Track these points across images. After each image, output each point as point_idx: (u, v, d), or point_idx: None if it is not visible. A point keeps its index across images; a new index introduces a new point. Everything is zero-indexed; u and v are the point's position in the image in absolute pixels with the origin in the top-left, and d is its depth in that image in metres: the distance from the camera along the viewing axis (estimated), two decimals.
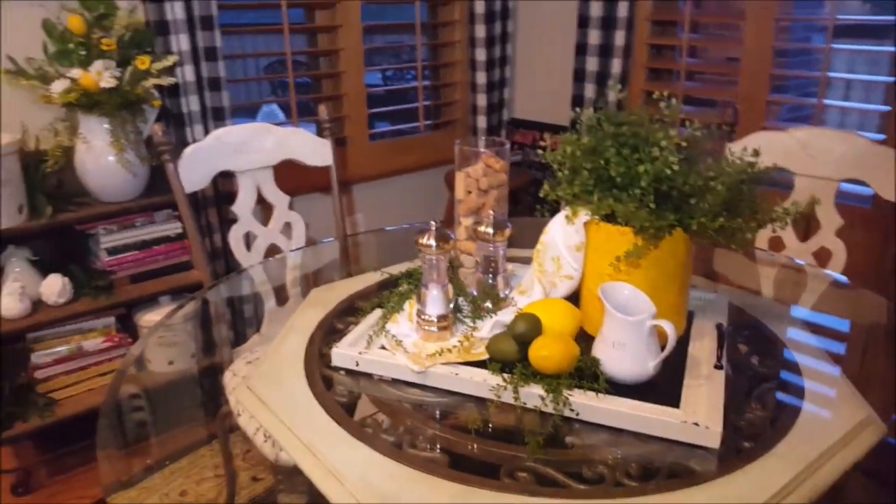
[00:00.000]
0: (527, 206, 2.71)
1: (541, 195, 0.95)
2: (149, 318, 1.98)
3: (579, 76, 2.48)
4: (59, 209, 1.83)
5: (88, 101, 1.78)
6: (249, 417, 0.90)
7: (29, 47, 1.86)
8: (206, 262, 1.60)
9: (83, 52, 1.83)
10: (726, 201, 0.89)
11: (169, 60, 1.89)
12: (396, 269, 1.26)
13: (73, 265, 1.92)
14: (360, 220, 2.74)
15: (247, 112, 3.79)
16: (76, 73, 1.79)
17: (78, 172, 1.88)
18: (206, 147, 1.52)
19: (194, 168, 1.49)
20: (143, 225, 1.97)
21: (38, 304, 1.82)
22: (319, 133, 1.74)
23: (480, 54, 2.70)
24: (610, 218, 0.93)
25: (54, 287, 1.81)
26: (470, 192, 1.06)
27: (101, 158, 1.84)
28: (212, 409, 1.47)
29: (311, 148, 1.68)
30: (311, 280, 1.57)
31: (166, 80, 1.88)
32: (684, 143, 0.90)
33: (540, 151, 0.97)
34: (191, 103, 2.05)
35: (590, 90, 2.46)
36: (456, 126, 2.93)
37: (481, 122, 2.80)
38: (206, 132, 2.10)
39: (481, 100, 2.77)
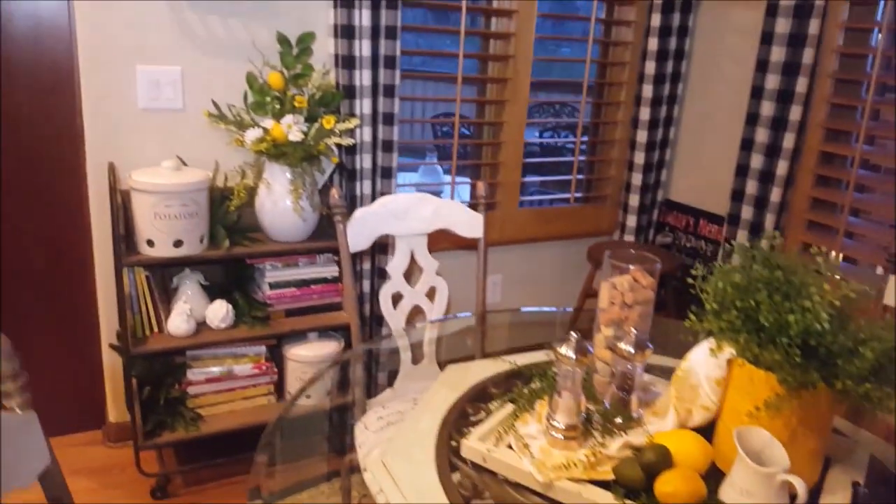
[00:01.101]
0: (672, 291, 2.65)
1: (686, 325, 0.96)
2: (296, 352, 2.14)
3: (742, 171, 2.41)
4: (234, 242, 2.05)
5: (276, 152, 1.99)
6: (379, 488, 0.97)
7: (231, 95, 2.13)
8: (356, 308, 1.72)
9: (277, 106, 2.06)
10: (875, 367, 0.85)
11: (351, 123, 2.07)
12: (531, 357, 1.30)
13: (237, 292, 2.13)
14: (497, 281, 2.81)
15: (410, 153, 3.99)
16: (268, 123, 2.01)
17: (256, 211, 2.09)
18: (373, 212, 1.65)
19: (361, 230, 1.63)
20: (305, 265, 2.15)
21: (201, 324, 2.03)
22: (474, 206, 1.82)
23: (642, 136, 2.70)
24: (755, 359, 0.92)
25: (219, 312, 2.01)
26: (613, 304, 1.08)
27: (279, 202, 2.04)
28: (336, 445, 1.58)
29: (465, 220, 1.77)
30: (447, 346, 1.65)
31: (346, 141, 2.06)
32: (837, 303, 0.88)
33: (691, 280, 0.97)
34: (364, 161, 2.22)
35: (751, 186, 2.38)
36: (607, 202, 2.93)
37: (633, 200, 2.78)
38: (374, 188, 2.27)
39: (636, 179, 2.76)
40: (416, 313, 1.74)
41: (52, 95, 2.01)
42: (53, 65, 2.00)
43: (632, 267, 1.06)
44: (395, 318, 1.70)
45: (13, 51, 1.95)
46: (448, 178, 2.64)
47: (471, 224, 1.77)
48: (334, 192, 1.60)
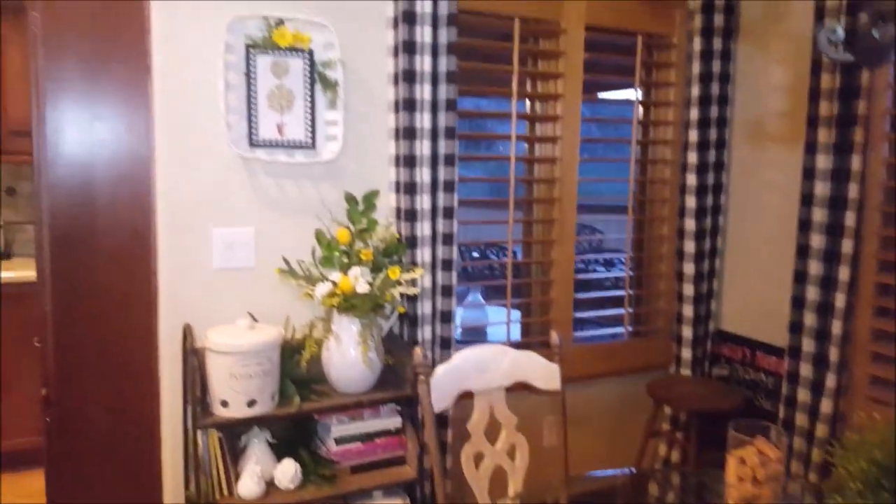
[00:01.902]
0: None
1: None
2: None
3: (798, 303, 2.43)
4: (302, 396, 2.04)
5: (346, 305, 2.03)
6: None
7: (300, 251, 2.20)
8: (442, 480, 1.68)
9: (345, 260, 2.12)
10: None
11: (417, 272, 2.12)
12: None
13: (302, 449, 2.09)
14: (553, 422, 2.76)
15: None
16: (336, 276, 2.06)
17: (323, 363, 2.10)
18: (454, 367, 1.66)
19: (443, 388, 1.63)
20: (370, 417, 2.13)
21: (270, 485, 1.98)
22: (549, 356, 1.84)
23: (689, 268, 2.75)
24: None
25: (288, 472, 1.96)
26: (743, 480, 1.06)
27: (347, 353, 2.05)
28: None
29: (542, 372, 1.77)
30: None
31: (412, 290, 2.10)
32: None
33: (829, 458, 0.96)
34: (424, 307, 2.26)
35: (810, 318, 2.38)
36: (659, 334, 2.93)
37: (686, 332, 2.78)
38: (433, 332, 2.29)
39: (688, 310, 2.77)
40: (498, 475, 1.70)
41: (129, 260, 2.09)
42: (132, 230, 2.09)
43: (756, 439, 1.05)
44: (478, 483, 1.66)
45: (95, 216, 2.05)
46: (495, 313, 2.66)
47: (548, 376, 1.78)
48: (418, 352, 1.62)
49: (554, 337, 1.81)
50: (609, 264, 4.85)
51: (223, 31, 2.00)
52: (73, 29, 2.00)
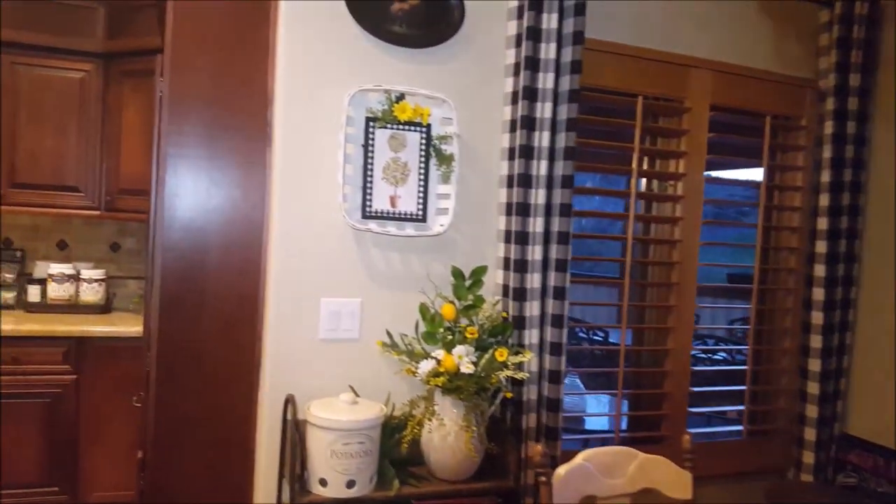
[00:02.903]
0: None
1: None
2: None
3: None
4: (401, 481, 1.93)
5: (451, 385, 1.94)
6: None
7: (402, 325, 2.12)
8: None
9: (449, 337, 2.04)
10: None
11: (526, 356, 2.01)
12: None
13: None
14: None
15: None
16: (439, 353, 1.97)
17: (422, 444, 1.99)
18: (578, 469, 1.52)
19: (564, 491, 1.49)
20: None
21: None
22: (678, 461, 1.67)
23: (815, 364, 2.52)
24: None
25: None
26: None
27: (448, 437, 1.94)
28: None
29: (672, 480, 1.61)
30: None
31: (520, 375, 1.99)
32: None
33: None
34: (531, 392, 2.13)
35: None
36: (779, 435, 2.69)
37: (809, 434, 2.54)
38: (538, 419, 2.15)
39: (811, 411, 2.53)
40: None
41: (235, 325, 2.07)
42: (240, 296, 2.08)
43: None
44: None
45: (205, 280, 2.05)
46: (593, 401, 2.50)
47: (678, 483, 1.61)
48: (538, 449, 1.50)
49: (686, 441, 1.65)
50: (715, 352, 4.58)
51: (346, 103, 2.00)
52: (198, 96, 2.06)
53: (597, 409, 3.34)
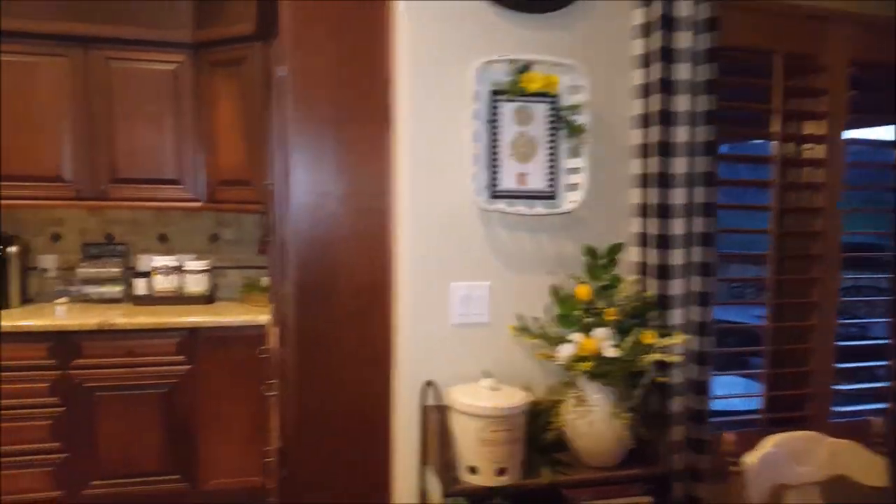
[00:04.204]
0: None
1: None
2: None
3: None
4: (550, 469, 1.86)
5: (599, 370, 1.85)
6: None
7: (533, 308, 2.04)
8: None
9: (587, 319, 1.94)
10: None
11: (678, 338, 1.90)
12: None
13: None
14: None
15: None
16: (576, 336, 1.88)
17: (567, 431, 1.92)
18: (768, 456, 1.42)
19: (756, 479, 1.39)
20: (615, 496, 1.91)
21: None
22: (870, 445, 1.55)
23: None
24: None
25: None
26: None
27: (595, 423, 1.86)
28: None
29: (864, 465, 1.48)
30: None
31: (673, 358, 1.88)
32: None
33: None
34: (676, 375, 2.02)
35: None
36: None
37: None
38: (686, 403, 2.04)
39: None
40: None
41: (366, 313, 2.03)
42: (371, 283, 2.03)
43: None
44: None
45: (335, 270, 2.00)
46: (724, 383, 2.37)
47: (872, 469, 1.48)
48: (727, 438, 1.40)
49: (878, 424, 1.52)
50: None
51: (472, 78, 1.91)
52: (320, 85, 1.99)
53: (727, 391, 3.18)
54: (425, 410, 1.92)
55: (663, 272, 2.00)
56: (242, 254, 3.94)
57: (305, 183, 2.01)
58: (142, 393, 3.24)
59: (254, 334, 3.26)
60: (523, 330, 2.00)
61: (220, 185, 3.54)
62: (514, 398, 1.81)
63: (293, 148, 2.00)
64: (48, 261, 3.74)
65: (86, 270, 3.64)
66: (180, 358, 3.27)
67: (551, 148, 2.01)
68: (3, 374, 3.09)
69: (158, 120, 3.52)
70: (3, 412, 3.10)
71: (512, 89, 1.96)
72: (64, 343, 3.16)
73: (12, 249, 3.49)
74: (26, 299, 3.61)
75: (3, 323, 3.11)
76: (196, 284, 3.62)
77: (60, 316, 3.34)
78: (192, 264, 3.63)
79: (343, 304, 2.02)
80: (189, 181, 3.57)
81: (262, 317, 3.30)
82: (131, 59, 3.48)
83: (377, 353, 2.02)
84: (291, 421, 1.99)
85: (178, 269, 3.62)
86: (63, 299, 3.65)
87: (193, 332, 3.28)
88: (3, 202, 3.39)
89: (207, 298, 3.65)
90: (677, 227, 1.99)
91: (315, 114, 2.00)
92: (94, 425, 3.20)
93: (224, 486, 3.33)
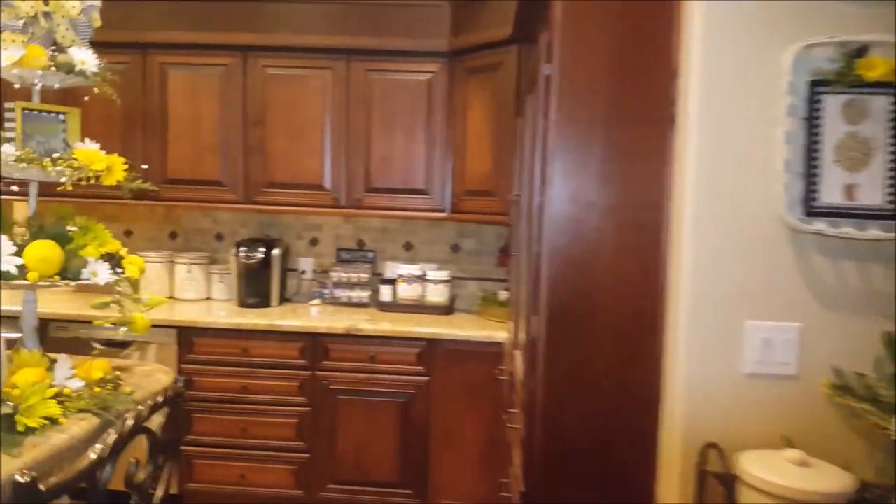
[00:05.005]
0: None
1: None
2: None
3: None
4: None
5: None
6: None
7: (858, 361, 1.56)
8: None
9: None
10: None
11: None
12: None
13: None
14: None
15: None
16: None
17: None
18: None
19: None
20: None
21: None
22: None
23: None
24: None
25: None
26: None
27: None
28: None
29: None
30: None
31: None
32: None
33: None
34: None
35: None
36: None
37: None
38: None
39: None
40: None
41: (629, 345, 1.72)
42: (635, 310, 1.72)
43: None
44: None
45: (594, 289, 1.73)
46: None
47: None
48: None
49: None
50: None
51: (787, 66, 1.52)
52: (590, 81, 1.74)
53: None
54: (703, 477, 1.55)
55: None
56: (481, 265, 3.83)
57: (565, 193, 1.76)
58: (381, 400, 3.24)
59: (491, 352, 3.10)
60: (844, 389, 1.54)
61: (465, 196, 3.45)
62: (834, 480, 1.38)
63: (553, 154, 1.77)
64: (306, 264, 3.95)
65: (338, 274, 3.78)
66: (419, 368, 3.22)
67: (894, 153, 1.53)
68: (260, 370, 3.28)
69: (411, 130, 3.53)
70: (257, 407, 3.28)
71: (841, 79, 1.52)
72: (314, 344, 3.27)
73: (276, 252, 3.72)
74: (284, 299, 3.84)
75: (262, 321, 3.31)
76: (437, 294, 3.58)
77: (315, 317, 3.48)
78: (434, 274, 3.60)
79: (602, 335, 1.74)
80: (436, 191, 3.53)
81: (500, 333, 3.13)
82: (389, 70, 3.53)
83: (643, 399, 1.71)
84: (537, 465, 1.75)
85: (421, 278, 3.60)
86: (316, 300, 3.82)
87: (432, 343, 3.21)
88: (272, 208, 3.63)
89: (447, 309, 3.58)
90: None
91: (581, 114, 1.74)
92: (336, 428, 3.26)
93: None
